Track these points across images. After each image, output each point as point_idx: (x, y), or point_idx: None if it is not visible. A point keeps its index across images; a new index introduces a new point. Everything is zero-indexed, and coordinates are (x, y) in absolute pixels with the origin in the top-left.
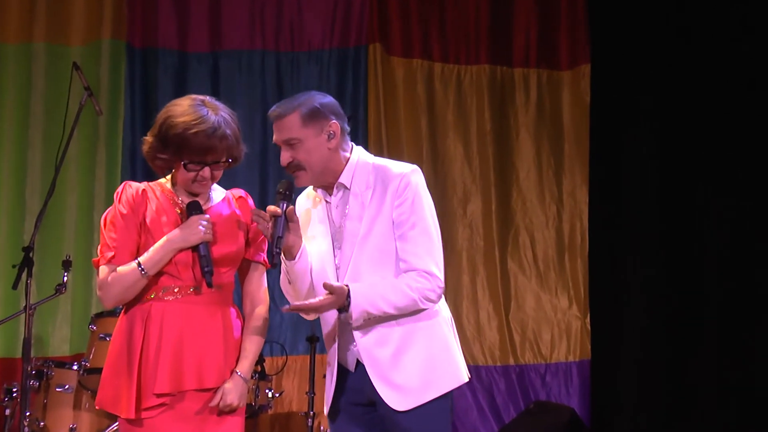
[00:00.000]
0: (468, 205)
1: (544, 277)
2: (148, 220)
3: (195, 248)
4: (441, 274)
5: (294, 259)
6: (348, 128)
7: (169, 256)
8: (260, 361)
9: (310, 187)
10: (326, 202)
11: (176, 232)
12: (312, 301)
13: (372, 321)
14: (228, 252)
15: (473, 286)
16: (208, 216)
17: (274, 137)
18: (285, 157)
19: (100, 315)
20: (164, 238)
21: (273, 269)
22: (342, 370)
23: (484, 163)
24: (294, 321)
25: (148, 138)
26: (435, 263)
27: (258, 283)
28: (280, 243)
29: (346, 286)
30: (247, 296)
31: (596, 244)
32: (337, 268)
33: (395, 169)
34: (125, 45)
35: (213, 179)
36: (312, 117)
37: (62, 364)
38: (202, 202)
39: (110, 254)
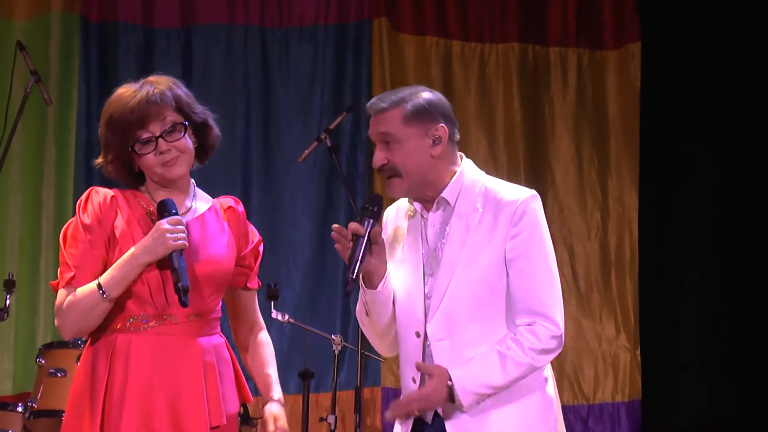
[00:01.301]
0: None
1: (585, 299)
2: (117, 233)
3: (165, 261)
4: (562, 321)
5: (375, 288)
6: (458, 136)
7: (135, 273)
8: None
9: (404, 200)
10: (422, 218)
11: (141, 243)
12: (409, 395)
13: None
14: (213, 272)
15: None
16: (179, 218)
17: (370, 130)
18: (378, 157)
19: (49, 346)
20: (128, 252)
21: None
22: (418, 420)
23: (512, 161)
24: (283, 352)
25: (99, 159)
26: (557, 307)
27: (255, 308)
28: (359, 268)
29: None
30: (245, 325)
31: (649, 259)
32: (426, 298)
33: (512, 192)
34: (79, 19)
35: (181, 152)
36: (417, 115)
37: (4, 405)
38: (181, 211)
39: (69, 275)
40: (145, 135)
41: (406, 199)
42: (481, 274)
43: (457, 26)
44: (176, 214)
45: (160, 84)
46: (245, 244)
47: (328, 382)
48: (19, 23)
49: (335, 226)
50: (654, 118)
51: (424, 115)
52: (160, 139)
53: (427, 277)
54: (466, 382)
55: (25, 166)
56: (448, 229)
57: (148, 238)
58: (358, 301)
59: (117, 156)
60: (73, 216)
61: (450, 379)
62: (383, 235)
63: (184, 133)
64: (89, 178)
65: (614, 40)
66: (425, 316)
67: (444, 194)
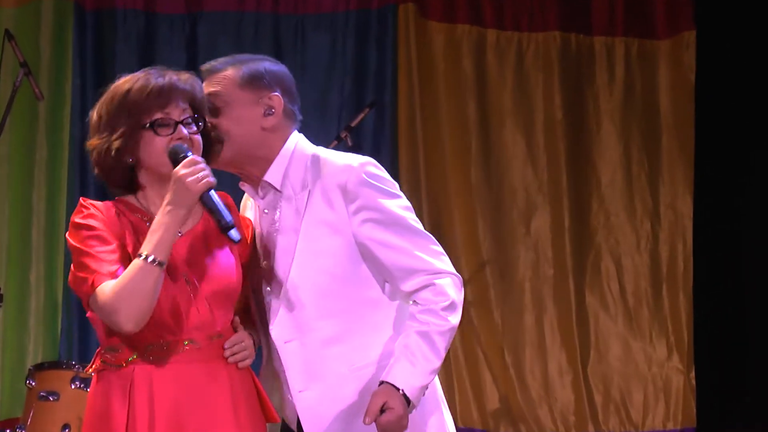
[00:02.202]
0: (532, 220)
1: (634, 317)
2: (130, 249)
3: (175, 275)
4: (449, 265)
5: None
6: (299, 116)
7: (172, 233)
8: None
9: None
10: (256, 205)
11: (166, 201)
12: (383, 426)
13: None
14: (223, 288)
15: (539, 328)
16: (194, 158)
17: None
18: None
19: (40, 367)
20: (159, 215)
21: None
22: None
23: (553, 163)
24: None
25: (93, 140)
26: (437, 256)
27: None
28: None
29: (386, 382)
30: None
31: (704, 273)
32: (267, 295)
33: (339, 162)
34: (73, 6)
35: (194, 147)
36: (252, 80)
37: None
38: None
39: (111, 268)
40: (163, 117)
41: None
42: (323, 262)
43: (491, 13)
44: (189, 155)
45: (185, 74)
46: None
47: None
48: (7, 10)
49: None
50: (711, 114)
51: (259, 81)
52: (180, 125)
53: (265, 271)
54: (410, 380)
55: (13, 167)
56: (278, 215)
57: (170, 193)
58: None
59: (126, 133)
60: (66, 224)
61: (396, 387)
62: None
63: (198, 132)
64: (84, 180)
65: (666, 28)
66: (268, 317)
67: (267, 177)
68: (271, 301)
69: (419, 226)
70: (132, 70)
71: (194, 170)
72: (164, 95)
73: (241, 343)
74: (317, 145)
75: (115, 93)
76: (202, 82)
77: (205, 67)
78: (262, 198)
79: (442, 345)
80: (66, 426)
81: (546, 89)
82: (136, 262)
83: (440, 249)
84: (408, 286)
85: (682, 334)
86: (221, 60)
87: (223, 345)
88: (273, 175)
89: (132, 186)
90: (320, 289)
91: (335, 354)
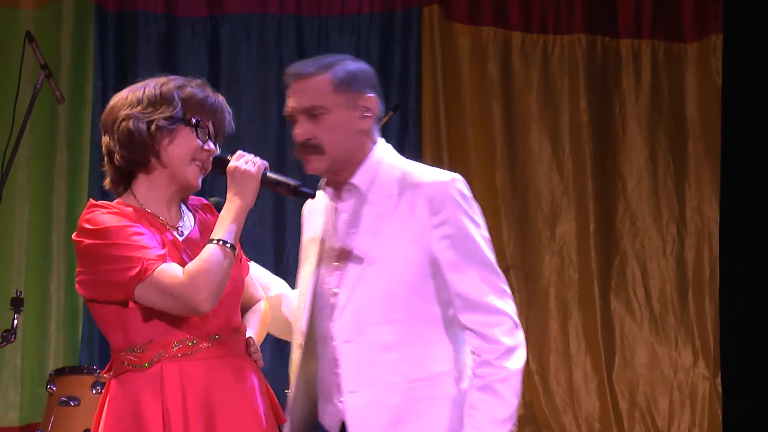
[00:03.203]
0: (557, 224)
1: (660, 322)
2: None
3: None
4: (510, 306)
5: None
6: (382, 112)
7: (242, 220)
8: None
9: (318, 194)
10: (334, 207)
11: (231, 194)
12: None
13: None
14: (236, 284)
15: (564, 334)
16: (238, 152)
17: (289, 104)
18: (301, 131)
19: (61, 372)
20: (230, 205)
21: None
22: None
23: (579, 167)
24: None
25: (127, 110)
26: (501, 295)
27: (254, 284)
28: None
29: None
30: (251, 303)
31: (731, 278)
32: (332, 295)
33: (430, 176)
34: (94, 7)
35: (205, 168)
36: (346, 83)
37: None
38: (172, 221)
39: (158, 252)
40: (209, 118)
41: (321, 192)
42: (397, 269)
43: (517, 15)
44: (225, 155)
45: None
46: None
47: None
48: (27, 12)
49: None
50: (738, 119)
51: (353, 83)
52: (210, 141)
53: (334, 271)
54: None
55: (33, 171)
56: (360, 218)
57: (233, 185)
58: None
59: (170, 118)
60: None
61: None
62: (303, 231)
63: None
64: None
65: (694, 31)
66: (332, 315)
67: (355, 180)
68: (338, 301)
69: (494, 260)
70: (153, 73)
71: (246, 159)
72: (216, 107)
73: (257, 344)
74: None
75: (167, 81)
76: (289, 87)
77: (293, 71)
78: (345, 201)
79: (507, 392)
80: (87, 431)
81: (572, 92)
82: (212, 247)
83: (507, 289)
84: (465, 319)
85: (708, 340)
86: (307, 64)
87: (240, 340)
88: (361, 179)
89: (125, 184)
90: (389, 295)
91: (389, 361)
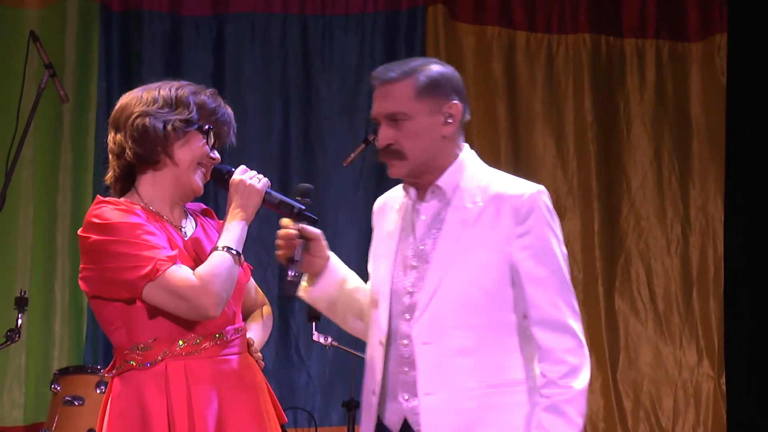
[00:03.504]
0: (562, 223)
1: (664, 321)
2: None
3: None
4: (578, 326)
5: (314, 285)
6: (468, 117)
7: (245, 230)
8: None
9: (395, 189)
10: (414, 207)
11: (234, 206)
12: None
13: None
14: (238, 284)
15: None
16: (241, 167)
17: (374, 108)
18: (384, 136)
19: (65, 371)
20: (232, 217)
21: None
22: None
23: (583, 166)
24: (325, 381)
25: (142, 107)
26: (572, 314)
27: (256, 289)
28: (298, 268)
29: None
30: (254, 308)
31: (735, 277)
32: (408, 295)
33: (517, 186)
34: (99, 7)
35: (206, 176)
36: (430, 89)
37: None
38: (175, 222)
39: (170, 253)
40: (219, 126)
41: (400, 186)
42: (477, 274)
43: (522, 15)
44: (231, 171)
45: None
46: None
47: None
48: (32, 12)
49: (283, 232)
50: (742, 118)
51: (437, 89)
52: (215, 150)
53: (410, 271)
54: None
55: (38, 170)
56: (442, 222)
57: (236, 198)
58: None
59: (185, 120)
60: None
61: None
62: (375, 227)
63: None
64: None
65: (698, 30)
66: (410, 316)
67: (440, 182)
68: (417, 303)
69: (568, 276)
70: (158, 73)
71: (250, 174)
72: (224, 118)
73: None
74: (343, 146)
75: (181, 85)
76: (374, 90)
77: (378, 76)
78: (427, 202)
79: (573, 412)
80: (91, 431)
81: (576, 92)
82: (221, 253)
83: (577, 307)
84: (536, 332)
85: (713, 340)
86: (392, 68)
87: (242, 340)
88: (447, 182)
89: (128, 183)
90: (467, 300)
91: (465, 365)
